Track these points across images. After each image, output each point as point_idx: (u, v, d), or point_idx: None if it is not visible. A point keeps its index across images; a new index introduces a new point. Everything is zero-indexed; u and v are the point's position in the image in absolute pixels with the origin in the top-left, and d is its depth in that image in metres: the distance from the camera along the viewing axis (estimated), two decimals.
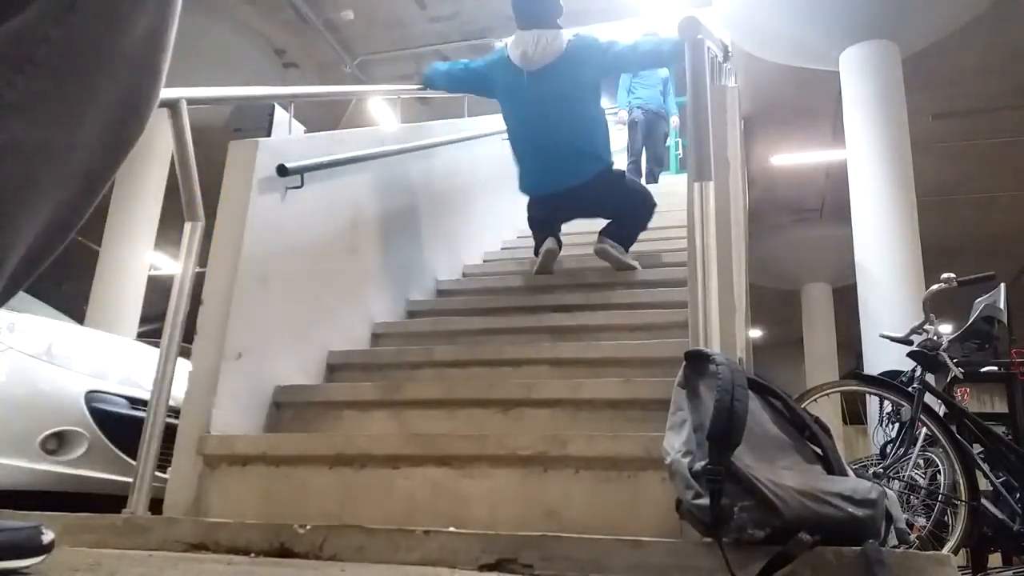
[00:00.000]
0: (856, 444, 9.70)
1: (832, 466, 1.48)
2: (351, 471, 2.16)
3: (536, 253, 3.90)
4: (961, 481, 2.81)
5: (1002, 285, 3.59)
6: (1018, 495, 3.04)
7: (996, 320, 3.54)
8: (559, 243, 3.91)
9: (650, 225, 5.04)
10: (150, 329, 7.75)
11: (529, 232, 4.09)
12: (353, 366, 3.00)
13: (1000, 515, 3.04)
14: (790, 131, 9.39)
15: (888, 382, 3.17)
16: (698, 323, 1.91)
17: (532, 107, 3.71)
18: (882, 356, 5.03)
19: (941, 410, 3.07)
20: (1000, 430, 3.42)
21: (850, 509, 1.35)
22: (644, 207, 3.89)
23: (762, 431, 1.48)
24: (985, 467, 3.05)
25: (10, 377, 2.43)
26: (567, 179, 3.67)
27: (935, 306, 3.22)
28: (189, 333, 2.37)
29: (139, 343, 3.30)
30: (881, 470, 3.00)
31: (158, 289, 7.74)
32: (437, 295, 4.04)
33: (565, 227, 4.03)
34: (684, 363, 1.59)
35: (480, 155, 4.81)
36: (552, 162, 3.68)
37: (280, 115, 2.95)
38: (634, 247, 4.32)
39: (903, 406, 3.05)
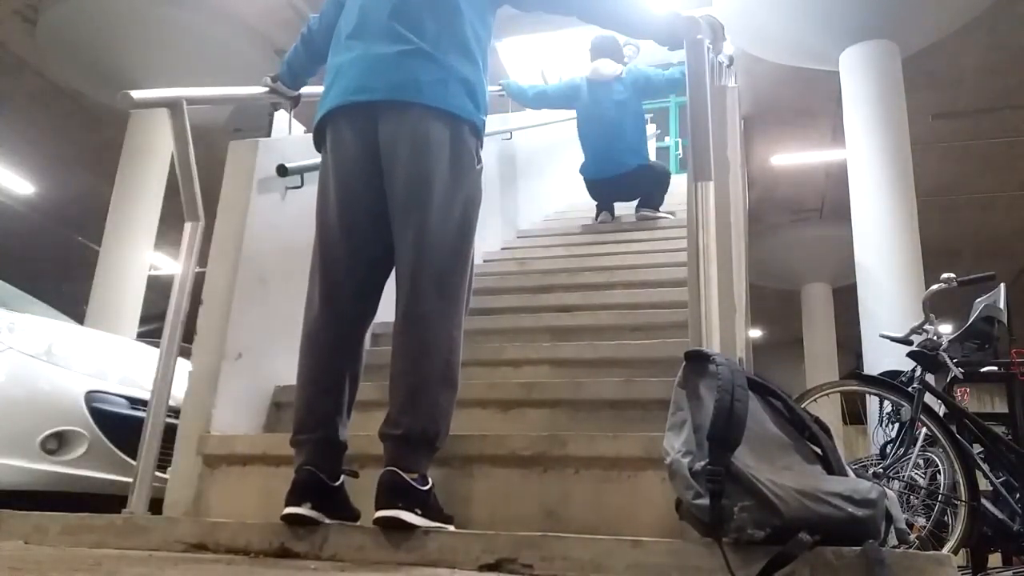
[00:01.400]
0: (856, 444, 9.70)
1: (832, 466, 1.48)
2: None
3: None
4: (961, 481, 2.81)
5: (1002, 285, 3.59)
6: (1018, 495, 3.04)
7: (996, 320, 3.54)
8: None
9: (650, 225, 5.06)
10: (150, 329, 7.75)
11: (528, 234, 4.10)
12: None
13: (1000, 515, 3.04)
14: (790, 131, 9.39)
15: (888, 382, 3.17)
16: (698, 323, 1.90)
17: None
18: (882, 356, 5.03)
19: (941, 410, 3.07)
20: (1000, 430, 3.42)
21: (850, 509, 1.35)
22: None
23: (762, 431, 1.48)
24: (985, 467, 3.05)
25: (10, 377, 2.43)
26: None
27: (935, 306, 3.22)
28: (189, 333, 2.37)
29: (139, 343, 3.30)
30: (881, 470, 3.00)
31: (158, 289, 7.75)
32: None
33: (565, 228, 4.03)
34: (684, 363, 1.59)
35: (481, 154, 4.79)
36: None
37: (280, 115, 2.94)
38: (638, 245, 4.33)
39: (903, 406, 3.05)
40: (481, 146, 2.09)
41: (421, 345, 1.80)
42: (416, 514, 1.65)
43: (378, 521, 1.64)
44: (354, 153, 1.94)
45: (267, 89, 2.59)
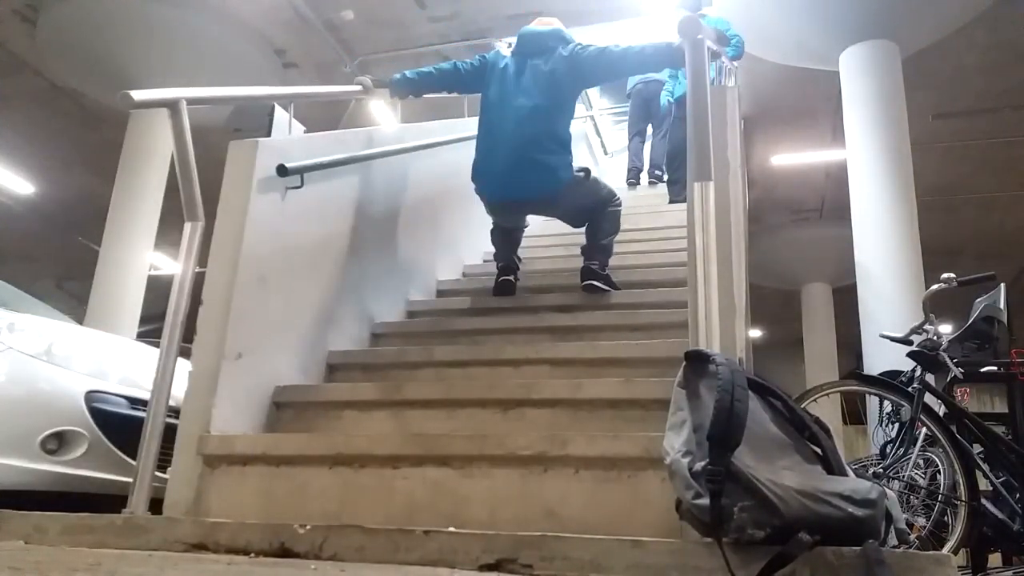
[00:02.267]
0: (856, 444, 9.71)
1: (832, 466, 1.48)
2: (351, 471, 2.16)
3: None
4: (961, 481, 2.81)
5: (1002, 285, 3.59)
6: (1018, 495, 3.04)
7: (996, 320, 3.54)
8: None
9: (650, 225, 5.04)
10: (150, 329, 7.75)
11: (527, 233, 4.07)
12: (353, 366, 2.99)
13: (1000, 515, 3.04)
14: (790, 131, 9.38)
15: (888, 382, 3.17)
16: (698, 323, 1.91)
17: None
18: (882, 356, 5.02)
19: (941, 410, 3.07)
20: (1000, 430, 3.42)
21: (850, 509, 1.35)
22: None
23: (762, 431, 1.48)
24: (985, 467, 3.05)
25: (10, 377, 2.43)
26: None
27: (935, 306, 3.22)
28: (189, 333, 2.37)
29: (139, 343, 3.30)
30: (881, 470, 2.99)
31: (158, 289, 7.74)
32: (437, 295, 4.04)
33: (557, 228, 4.03)
34: (684, 363, 1.59)
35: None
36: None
37: (280, 115, 2.94)
38: (635, 247, 4.32)
39: (903, 406, 3.05)
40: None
41: None
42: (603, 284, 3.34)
43: (584, 288, 3.39)
44: None
45: (360, 88, 3.29)
